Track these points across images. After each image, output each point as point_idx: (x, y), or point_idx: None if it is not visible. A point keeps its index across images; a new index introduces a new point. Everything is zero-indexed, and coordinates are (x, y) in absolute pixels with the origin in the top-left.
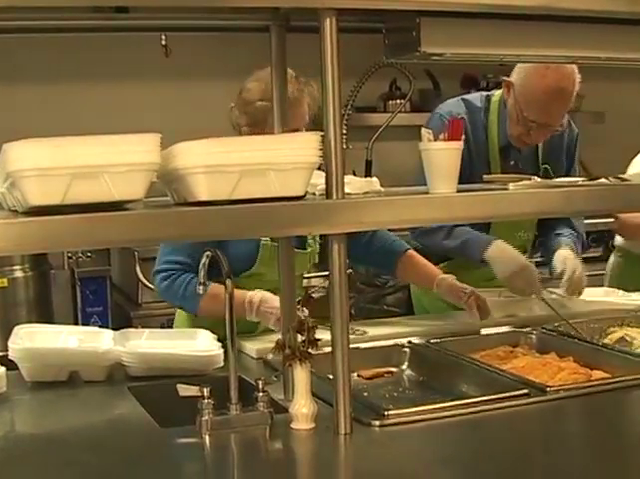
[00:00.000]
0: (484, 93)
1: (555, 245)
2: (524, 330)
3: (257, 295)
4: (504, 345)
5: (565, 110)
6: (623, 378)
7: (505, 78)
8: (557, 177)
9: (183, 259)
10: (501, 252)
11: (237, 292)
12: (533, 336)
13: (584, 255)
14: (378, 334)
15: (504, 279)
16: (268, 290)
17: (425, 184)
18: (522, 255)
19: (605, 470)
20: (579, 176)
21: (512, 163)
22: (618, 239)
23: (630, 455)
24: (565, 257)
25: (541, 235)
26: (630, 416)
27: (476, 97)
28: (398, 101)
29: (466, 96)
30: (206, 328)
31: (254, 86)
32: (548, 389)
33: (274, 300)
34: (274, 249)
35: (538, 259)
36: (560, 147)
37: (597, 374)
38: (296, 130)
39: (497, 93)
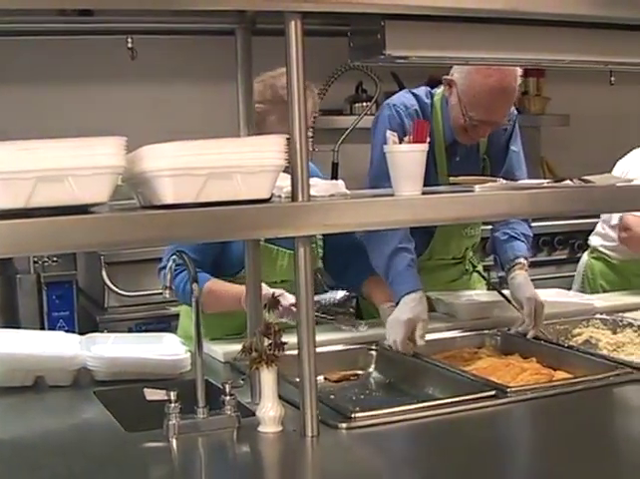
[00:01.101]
0: (428, 89)
1: (509, 252)
2: (489, 332)
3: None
4: (469, 347)
5: (510, 106)
6: (584, 379)
7: (446, 77)
8: (497, 165)
9: (189, 255)
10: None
11: (233, 286)
12: (497, 338)
13: (550, 257)
14: (345, 337)
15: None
16: None
17: (382, 181)
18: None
19: (567, 470)
20: (543, 175)
21: (457, 159)
22: (595, 241)
23: (589, 454)
24: (533, 303)
25: (494, 229)
26: (589, 416)
27: (422, 92)
28: (364, 103)
29: (413, 90)
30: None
31: (255, 87)
32: (508, 390)
33: (286, 298)
34: (267, 250)
35: (490, 262)
36: (498, 135)
37: (559, 375)
38: None
39: (439, 91)
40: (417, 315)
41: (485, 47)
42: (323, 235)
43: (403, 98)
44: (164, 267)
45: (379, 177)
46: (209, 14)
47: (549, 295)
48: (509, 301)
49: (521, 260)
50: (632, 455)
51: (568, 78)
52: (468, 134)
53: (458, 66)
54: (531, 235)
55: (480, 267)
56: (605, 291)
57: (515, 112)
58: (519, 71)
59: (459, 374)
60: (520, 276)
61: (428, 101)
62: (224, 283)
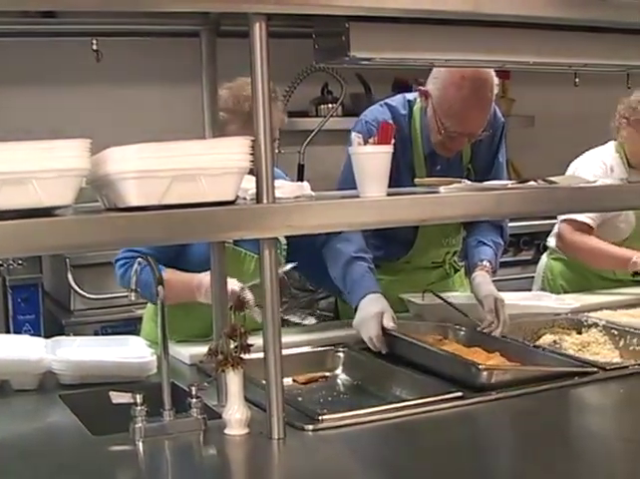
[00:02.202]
0: (407, 97)
1: (475, 257)
2: (454, 326)
3: (207, 278)
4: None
5: (486, 116)
6: (548, 369)
7: (421, 87)
8: (482, 176)
9: (144, 250)
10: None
11: (186, 275)
12: (461, 332)
13: (516, 258)
14: (312, 339)
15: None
16: None
17: (349, 186)
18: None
19: (535, 468)
20: (509, 176)
21: (438, 168)
22: (554, 242)
23: (555, 452)
24: (491, 299)
25: (467, 236)
26: (555, 415)
27: (399, 102)
28: (330, 105)
29: (389, 101)
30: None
31: (221, 94)
32: (480, 366)
33: (228, 283)
34: (235, 253)
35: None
36: (481, 141)
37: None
38: None
39: (419, 100)
40: (382, 309)
41: (450, 49)
42: (291, 239)
43: (376, 112)
44: (118, 260)
45: (346, 181)
46: (174, 16)
47: (529, 298)
48: (457, 309)
49: (484, 263)
50: (596, 453)
51: (533, 80)
52: (446, 146)
53: (432, 77)
54: (502, 243)
55: (462, 272)
56: (566, 292)
57: (502, 120)
58: (496, 80)
59: (436, 354)
60: (479, 277)
61: (405, 112)
62: (179, 273)
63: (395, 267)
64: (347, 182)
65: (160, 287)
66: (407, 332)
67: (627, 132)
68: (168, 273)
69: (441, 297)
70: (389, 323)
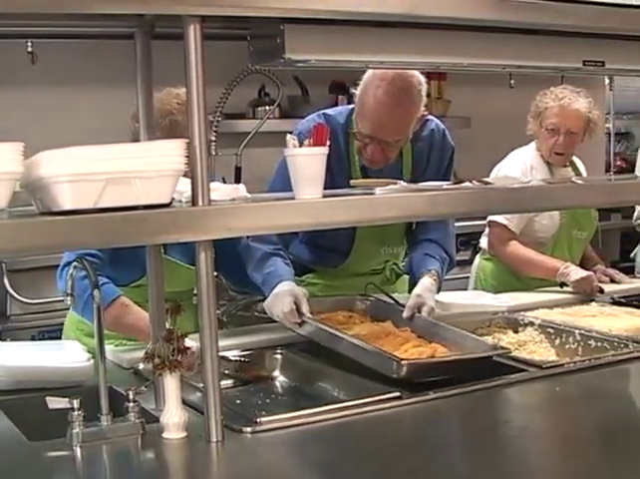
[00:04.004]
0: (349, 107)
1: (422, 268)
2: (359, 296)
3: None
4: (341, 309)
5: (402, 124)
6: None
7: (354, 91)
8: None
9: (95, 252)
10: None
11: (144, 315)
12: (368, 302)
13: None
14: (250, 341)
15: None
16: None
17: (280, 189)
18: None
19: (477, 467)
20: None
21: None
22: (484, 242)
23: (491, 452)
24: (417, 299)
25: (410, 251)
26: (492, 415)
27: (339, 112)
28: (267, 107)
29: (328, 110)
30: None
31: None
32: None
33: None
34: (167, 262)
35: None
36: (428, 164)
37: (439, 349)
38: None
39: None
40: (298, 291)
41: (385, 50)
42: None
43: (312, 121)
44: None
45: (275, 185)
46: (108, 17)
47: (466, 297)
48: (398, 303)
49: (432, 271)
50: (533, 452)
51: (469, 81)
52: (363, 155)
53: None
54: (447, 258)
55: (405, 277)
56: (497, 291)
57: (452, 145)
58: (424, 89)
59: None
60: (426, 281)
61: (343, 121)
62: (143, 316)
63: (332, 273)
64: (275, 186)
65: (96, 291)
66: (315, 311)
67: (535, 126)
68: (135, 314)
69: (383, 291)
70: (307, 313)
